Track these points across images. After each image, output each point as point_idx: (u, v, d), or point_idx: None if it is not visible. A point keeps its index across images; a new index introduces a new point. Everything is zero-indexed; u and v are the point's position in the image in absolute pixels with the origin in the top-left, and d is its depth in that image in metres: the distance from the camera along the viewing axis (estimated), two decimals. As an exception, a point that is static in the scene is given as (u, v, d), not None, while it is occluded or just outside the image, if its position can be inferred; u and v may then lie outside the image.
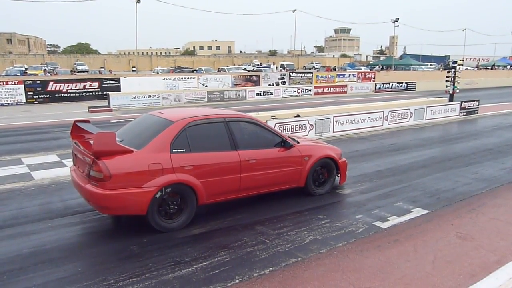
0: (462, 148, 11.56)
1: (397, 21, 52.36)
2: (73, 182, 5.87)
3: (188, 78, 29.52)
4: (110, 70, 48.39)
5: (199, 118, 5.91)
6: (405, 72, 47.49)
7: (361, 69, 53.10)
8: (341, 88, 32.40)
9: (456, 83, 19.01)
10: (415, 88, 36.16)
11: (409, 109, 15.77)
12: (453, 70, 19.04)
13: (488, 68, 61.49)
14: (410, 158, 10.29)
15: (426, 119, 16.30)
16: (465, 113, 17.86)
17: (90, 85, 26.16)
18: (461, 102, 17.79)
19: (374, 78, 38.33)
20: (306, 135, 12.44)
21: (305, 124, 12.59)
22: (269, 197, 7.07)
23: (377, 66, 58.27)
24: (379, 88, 34.35)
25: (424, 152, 10.96)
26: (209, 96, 25.77)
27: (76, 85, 25.72)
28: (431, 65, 65.07)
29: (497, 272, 4.57)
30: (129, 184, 5.16)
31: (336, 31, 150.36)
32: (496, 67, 63.08)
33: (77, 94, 25.66)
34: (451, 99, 18.98)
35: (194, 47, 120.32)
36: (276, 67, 50.83)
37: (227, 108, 21.53)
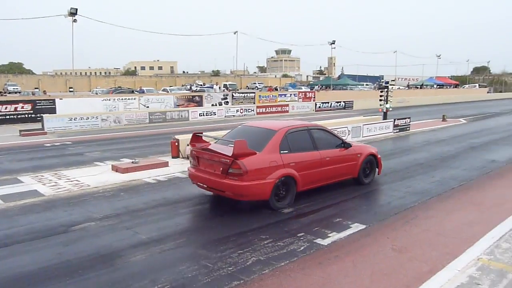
0: (396, 163, 12.15)
1: (333, 43, 54.69)
2: (196, 177, 7.76)
3: (129, 99, 28.77)
4: (44, 91, 46.08)
5: (292, 127, 7.93)
6: (343, 92, 49.52)
7: (302, 88, 54.65)
8: (283, 107, 33.13)
9: (389, 101, 20.07)
10: (352, 106, 37.76)
11: (346, 127, 16.39)
12: (385, 89, 20.10)
13: (418, 87, 65.76)
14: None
15: (363, 136, 17.00)
16: (398, 130, 18.87)
17: (23, 107, 24.73)
18: (394, 119, 18.80)
19: (314, 97, 39.60)
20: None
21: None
22: (212, 219, 7.06)
23: (317, 86, 60.31)
24: (319, 107, 35.51)
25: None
26: (150, 117, 25.28)
27: (6, 107, 24.19)
28: (366, 84, 68.31)
29: (429, 282, 4.80)
30: (259, 177, 6.99)
31: (277, 52, 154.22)
32: (424, 86, 67.57)
33: (8, 117, 24.11)
34: (385, 117, 19.99)
35: (135, 67, 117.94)
36: (219, 87, 51.05)
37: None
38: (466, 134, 18.92)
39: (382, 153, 14.11)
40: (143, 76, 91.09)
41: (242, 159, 6.90)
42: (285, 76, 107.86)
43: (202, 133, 8.38)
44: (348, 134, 16.32)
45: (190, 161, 8.15)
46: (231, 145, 7.17)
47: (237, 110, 29.90)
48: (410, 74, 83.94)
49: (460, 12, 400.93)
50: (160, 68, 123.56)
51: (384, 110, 20.02)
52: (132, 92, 41.53)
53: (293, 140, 7.70)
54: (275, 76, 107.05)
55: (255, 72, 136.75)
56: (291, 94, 38.93)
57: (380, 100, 20.10)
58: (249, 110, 30.48)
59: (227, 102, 33.22)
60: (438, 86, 71.19)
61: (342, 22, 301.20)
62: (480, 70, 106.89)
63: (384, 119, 19.53)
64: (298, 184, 7.60)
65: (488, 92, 72.89)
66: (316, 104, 35.67)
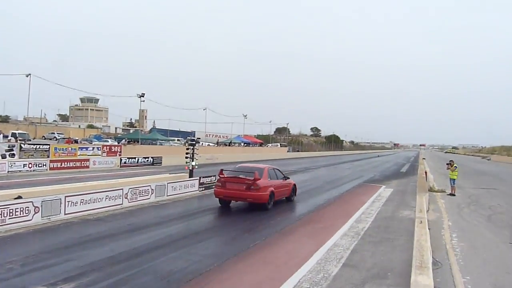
0: (199, 224, 12.43)
1: (143, 96, 54.84)
2: (222, 193, 14.60)
3: None
4: None
5: (269, 167, 15.56)
6: (152, 147, 49.44)
7: (108, 141, 52.52)
8: (83, 162, 30.97)
9: (195, 159, 20.77)
10: (161, 162, 37.88)
11: (150, 185, 16.16)
12: (192, 146, 20.80)
13: (227, 145, 70.62)
14: (147, 238, 10.32)
15: (167, 195, 16.99)
16: (203, 188, 19.53)
17: None
18: (200, 177, 19.46)
19: (120, 152, 38.36)
20: (31, 220, 11.06)
21: (28, 207, 11.16)
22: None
23: (124, 140, 58.92)
24: (125, 162, 34.48)
25: (163, 231, 11.24)
26: None
27: None
28: (178, 140, 70.01)
29: None
30: (264, 190, 13.92)
31: (82, 100, 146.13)
32: (233, 144, 73.05)
33: None
34: (191, 174, 20.53)
35: None
36: (6, 136, 44.96)
37: None
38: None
39: (185, 213, 14.44)
40: None
41: (258, 181, 14.07)
42: (90, 127, 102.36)
43: (222, 169, 15.80)
44: (152, 193, 16.09)
45: (217, 185, 15.01)
46: (249, 176, 14.33)
47: (24, 165, 26.60)
48: (220, 131, 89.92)
49: (266, 76, 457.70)
50: None
51: (190, 168, 20.58)
52: None
53: (271, 174, 15.39)
54: (79, 126, 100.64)
55: (55, 121, 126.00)
56: (94, 148, 36.84)
57: (186, 157, 20.65)
58: (40, 165, 27.45)
59: (13, 154, 29.32)
60: (245, 144, 77.86)
61: (154, 74, 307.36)
62: (281, 131, 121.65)
63: (190, 177, 20.02)
64: (275, 196, 14.95)
65: (288, 151, 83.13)
66: (121, 160, 34.53)
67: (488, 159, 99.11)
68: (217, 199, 15.32)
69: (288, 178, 17.04)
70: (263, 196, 14.24)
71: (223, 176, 15.00)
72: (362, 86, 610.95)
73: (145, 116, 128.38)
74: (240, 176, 14.58)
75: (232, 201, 15.16)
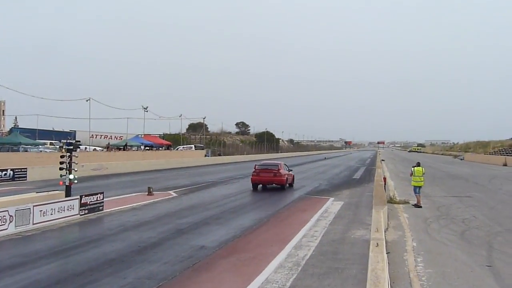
0: (78, 262, 12.06)
1: (-5, 82, 51.99)
2: (258, 180, 31.10)
3: None
4: None
5: (282, 163, 33.15)
6: (12, 154, 47.09)
7: None
8: None
9: (73, 170, 20.03)
10: (25, 176, 36.30)
11: (7, 210, 15.39)
12: (69, 153, 19.98)
13: (120, 149, 68.95)
14: (1, 288, 9.84)
15: (34, 224, 16.30)
16: (87, 211, 18.95)
17: None
18: (81, 196, 18.82)
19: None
20: None
21: None
22: None
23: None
24: (-32, 178, 32.54)
25: (27, 275, 10.82)
26: None
27: None
28: (51, 143, 67.18)
29: None
30: (284, 176, 31.18)
31: None
32: (129, 147, 71.48)
33: None
34: (68, 192, 19.79)
35: None
36: None
37: None
38: (175, 213, 20.71)
39: (60, 247, 13.93)
40: None
41: (280, 169, 30.86)
42: None
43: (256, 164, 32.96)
44: (11, 222, 15.31)
45: (253, 173, 31.22)
46: (274, 167, 31.46)
47: None
48: (112, 130, 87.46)
49: (174, 55, 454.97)
50: None
51: (67, 183, 19.83)
52: None
53: (284, 167, 31.75)
54: None
55: None
56: None
57: (61, 168, 19.85)
58: None
59: None
60: (146, 147, 76.54)
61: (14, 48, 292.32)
62: (197, 128, 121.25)
63: (67, 196, 19.32)
64: (289, 180, 32.01)
65: (206, 156, 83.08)
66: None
67: (461, 159, 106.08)
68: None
69: (291, 171, 33.85)
70: (283, 180, 30.73)
71: (257, 169, 31.25)
72: (300, 69, 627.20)
73: (2, 111, 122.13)
74: (268, 168, 31.30)
75: (261, 184, 31.23)
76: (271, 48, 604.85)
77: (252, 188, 30.85)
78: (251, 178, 31.02)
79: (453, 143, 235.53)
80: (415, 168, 23.69)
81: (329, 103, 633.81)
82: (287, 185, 31.41)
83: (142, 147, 75.26)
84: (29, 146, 57.29)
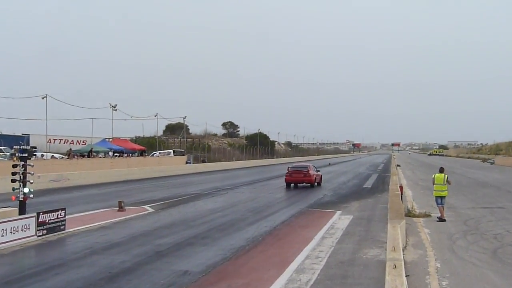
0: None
1: None
2: (291, 180, 44.59)
3: None
4: None
5: (311, 165, 50.39)
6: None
7: None
8: None
9: (28, 182, 19.91)
10: (-30, 191, 36.01)
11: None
12: (22, 161, 19.87)
13: (84, 155, 68.71)
14: None
15: (-19, 247, 16.19)
16: (45, 231, 18.82)
17: None
18: (38, 214, 18.69)
19: None
20: None
21: None
22: None
23: None
24: None
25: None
26: None
27: None
28: (0, 150, 66.99)
29: None
30: (313, 176, 44.75)
31: None
32: (95, 154, 71.19)
33: None
34: (22, 209, 19.66)
35: None
36: None
37: None
38: (152, 232, 20.62)
39: (12, 276, 13.70)
40: None
41: (310, 171, 44.60)
42: None
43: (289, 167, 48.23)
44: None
45: (286, 173, 45.15)
46: (304, 169, 45.28)
47: None
48: (74, 134, 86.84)
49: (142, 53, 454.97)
50: None
51: (21, 198, 19.72)
52: None
53: (313, 168, 46.43)
54: None
55: None
56: None
57: (14, 180, 19.73)
58: None
59: None
60: (116, 154, 76.23)
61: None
62: (176, 129, 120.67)
63: (21, 214, 19.19)
64: (317, 180, 45.30)
65: (187, 162, 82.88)
66: None
67: (490, 163, 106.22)
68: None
69: (319, 171, 46.96)
70: (312, 179, 42.99)
71: (290, 170, 44.09)
72: (306, 68, 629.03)
73: None
74: (299, 169, 44.69)
75: (293, 183, 43.34)
76: (271, 48, 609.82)
77: (286, 187, 43.55)
78: (285, 179, 44.28)
79: (481, 144, 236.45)
80: (436, 175, 23.68)
81: (333, 103, 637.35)
82: (316, 183, 44.19)
83: (111, 153, 74.84)
84: (-27, 154, 57.00)
